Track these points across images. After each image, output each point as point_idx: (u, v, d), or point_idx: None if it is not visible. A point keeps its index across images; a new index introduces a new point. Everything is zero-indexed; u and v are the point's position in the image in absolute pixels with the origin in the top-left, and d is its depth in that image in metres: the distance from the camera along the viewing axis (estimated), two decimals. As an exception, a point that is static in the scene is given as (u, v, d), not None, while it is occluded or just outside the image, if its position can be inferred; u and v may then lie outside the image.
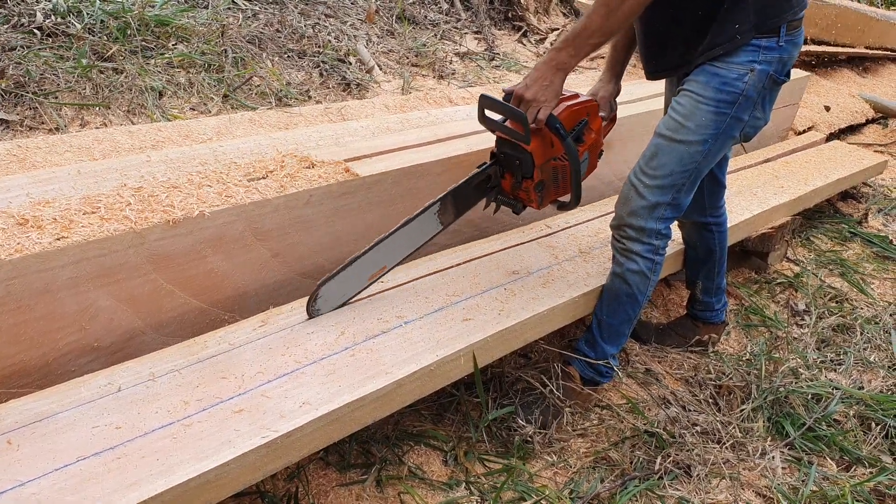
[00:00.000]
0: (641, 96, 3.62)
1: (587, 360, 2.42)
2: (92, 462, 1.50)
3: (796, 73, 4.61)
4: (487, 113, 2.19)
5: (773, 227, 3.42)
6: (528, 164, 2.18)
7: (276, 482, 2.05)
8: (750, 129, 2.23)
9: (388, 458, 2.19)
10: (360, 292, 2.14)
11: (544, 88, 2.06)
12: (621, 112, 3.26)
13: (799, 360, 2.83)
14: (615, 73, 2.54)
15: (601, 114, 2.44)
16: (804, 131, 4.91)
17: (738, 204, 3.32)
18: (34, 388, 1.78)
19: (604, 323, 2.43)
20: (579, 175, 2.26)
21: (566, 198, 2.35)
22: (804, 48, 5.61)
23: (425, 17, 5.33)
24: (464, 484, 2.15)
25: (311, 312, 2.03)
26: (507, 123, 2.16)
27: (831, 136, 5.10)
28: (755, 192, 3.50)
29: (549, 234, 2.77)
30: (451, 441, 2.29)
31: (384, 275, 2.16)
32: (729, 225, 3.00)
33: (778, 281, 3.52)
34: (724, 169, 2.63)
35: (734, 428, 2.42)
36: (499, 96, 2.16)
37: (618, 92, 2.57)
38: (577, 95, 2.31)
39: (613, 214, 2.35)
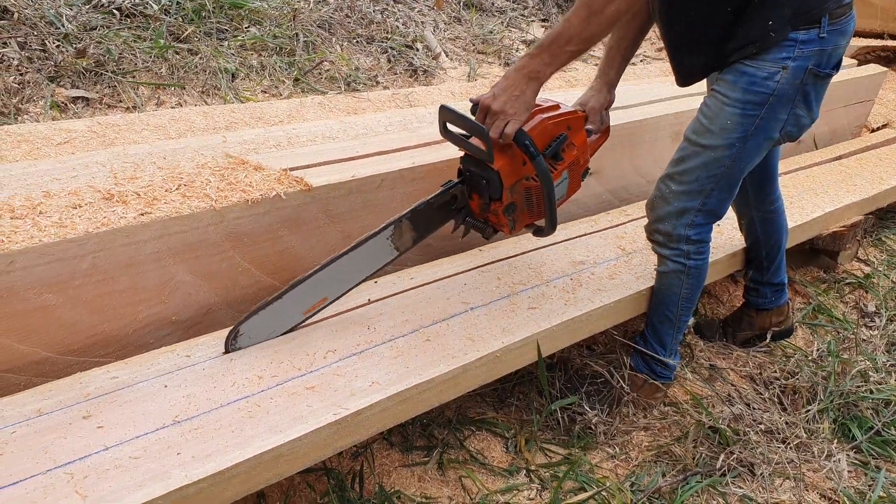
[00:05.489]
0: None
1: (639, 350, 2.40)
2: (171, 431, 1.55)
3: (872, 69, 4.47)
4: (451, 126, 1.99)
5: (844, 225, 3.33)
6: (496, 184, 1.96)
7: (342, 460, 2.09)
8: (792, 127, 2.05)
9: (450, 442, 2.21)
10: (294, 328, 1.92)
11: (514, 99, 1.85)
12: (684, 105, 3.22)
13: (868, 363, 2.77)
14: (608, 80, 2.29)
15: (588, 126, 2.22)
16: (878, 128, 4.77)
17: (809, 201, 3.25)
18: (114, 357, 1.84)
19: (649, 321, 2.41)
20: (553, 198, 2.00)
21: (542, 222, 2.11)
22: (881, 43, 5.44)
23: (492, 4, 5.31)
24: (524, 471, 2.16)
25: (229, 348, 1.81)
26: (472, 140, 1.97)
27: (907, 135, 4.94)
28: (826, 189, 3.42)
29: (617, 226, 2.76)
30: (513, 428, 2.30)
31: (325, 307, 1.94)
32: (800, 223, 2.96)
33: (847, 281, 3.44)
34: (774, 164, 2.52)
35: (799, 428, 2.38)
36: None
37: (610, 102, 2.32)
38: (557, 106, 2.08)
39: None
